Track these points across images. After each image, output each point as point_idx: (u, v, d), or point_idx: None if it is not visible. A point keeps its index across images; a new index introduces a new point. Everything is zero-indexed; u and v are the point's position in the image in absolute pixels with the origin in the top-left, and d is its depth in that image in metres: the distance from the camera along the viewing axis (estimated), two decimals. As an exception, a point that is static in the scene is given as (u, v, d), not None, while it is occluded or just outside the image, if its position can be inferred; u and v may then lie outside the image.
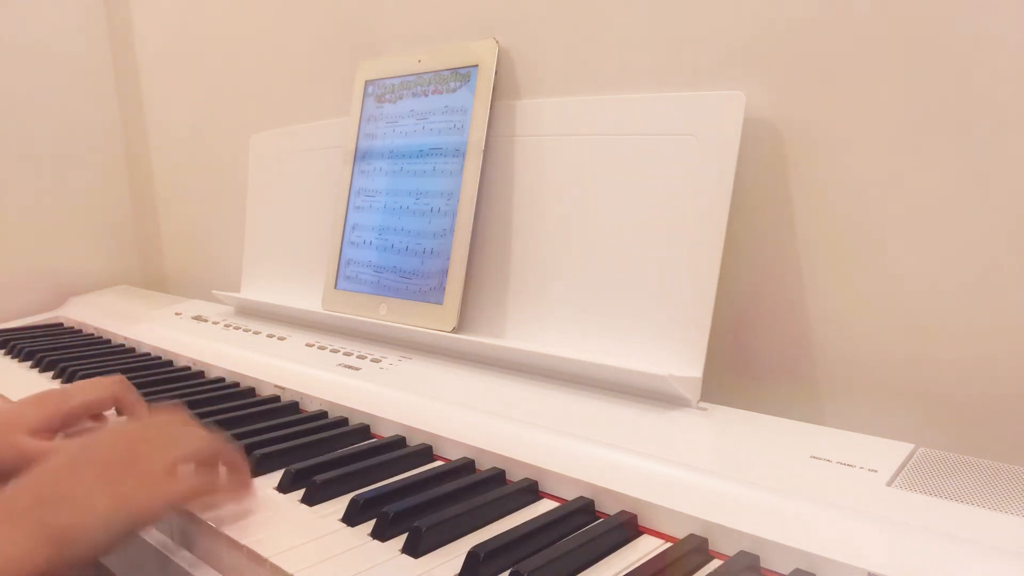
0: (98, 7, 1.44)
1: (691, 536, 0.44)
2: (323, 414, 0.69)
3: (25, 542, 0.40)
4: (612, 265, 0.66)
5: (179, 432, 0.49)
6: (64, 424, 0.62)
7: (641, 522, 0.47)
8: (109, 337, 1.08)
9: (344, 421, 0.67)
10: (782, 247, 0.63)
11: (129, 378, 0.78)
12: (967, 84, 0.53)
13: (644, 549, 0.44)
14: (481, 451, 0.56)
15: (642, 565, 0.41)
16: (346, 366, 0.75)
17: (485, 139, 0.75)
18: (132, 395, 0.65)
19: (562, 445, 0.54)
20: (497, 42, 0.77)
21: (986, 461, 0.47)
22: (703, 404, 0.58)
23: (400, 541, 0.45)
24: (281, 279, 1.01)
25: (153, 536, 0.51)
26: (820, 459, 0.48)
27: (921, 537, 0.39)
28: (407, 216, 0.82)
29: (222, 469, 0.51)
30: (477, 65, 0.77)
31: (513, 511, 0.50)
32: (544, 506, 0.51)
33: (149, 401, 0.69)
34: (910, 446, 0.50)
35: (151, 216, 1.49)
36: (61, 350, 0.99)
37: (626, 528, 0.46)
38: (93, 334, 1.12)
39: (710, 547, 0.44)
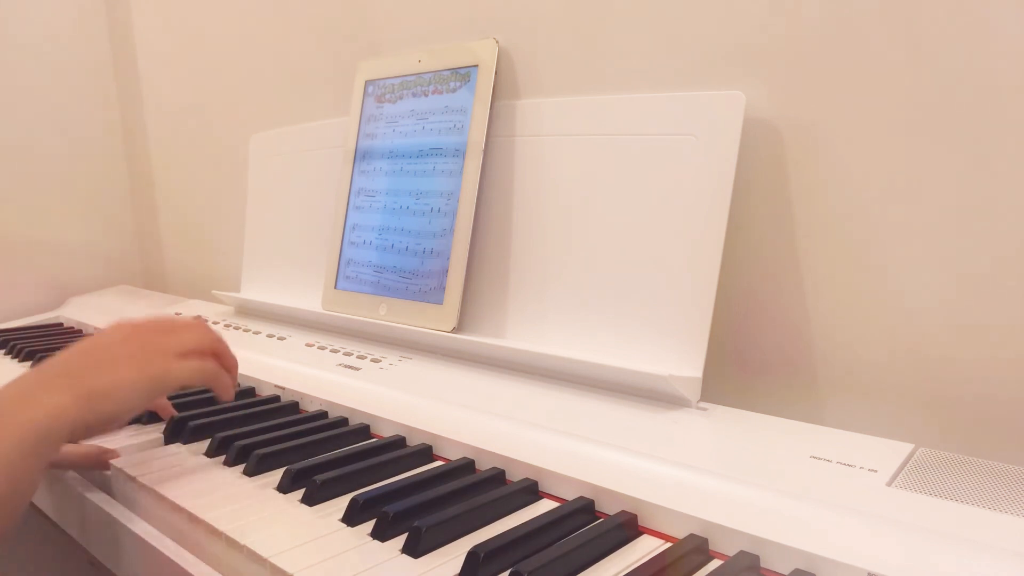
0: (98, 7, 1.44)
1: (691, 536, 0.44)
2: (323, 414, 0.69)
3: (61, 397, 0.47)
4: (612, 265, 0.66)
5: (185, 327, 0.59)
6: None
7: (641, 522, 0.47)
8: (109, 337, 1.07)
9: (344, 421, 0.67)
10: (782, 247, 0.63)
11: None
12: (967, 84, 0.53)
13: (644, 549, 0.44)
14: (481, 451, 0.56)
15: (642, 565, 0.41)
16: (346, 366, 0.75)
17: (485, 139, 0.75)
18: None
19: (562, 445, 0.54)
20: (497, 42, 0.77)
21: (986, 461, 0.47)
22: (703, 404, 0.58)
23: (400, 541, 0.45)
24: (281, 279, 1.01)
25: (153, 535, 0.51)
26: (820, 459, 0.48)
27: (921, 537, 0.39)
28: (407, 216, 0.82)
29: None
30: (477, 65, 0.77)
31: (513, 511, 0.50)
32: (544, 506, 0.51)
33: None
34: (910, 446, 0.50)
35: (151, 216, 1.49)
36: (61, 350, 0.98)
37: (626, 528, 0.46)
38: (93, 334, 1.12)
39: (710, 547, 0.44)
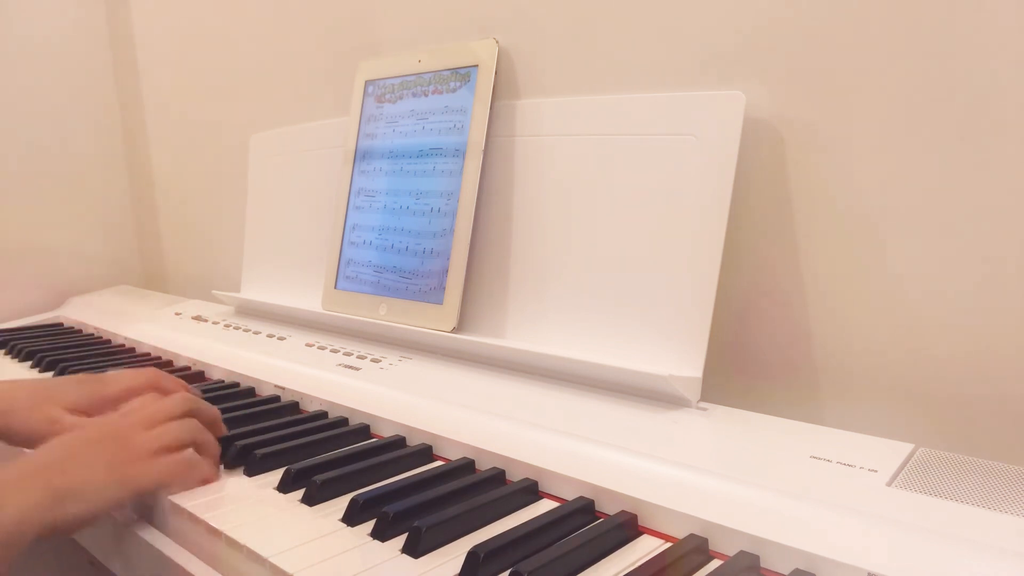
0: (98, 7, 1.44)
1: (691, 536, 0.44)
2: (323, 414, 0.69)
3: (30, 497, 0.46)
4: (612, 265, 0.66)
5: (160, 416, 0.56)
6: (101, 408, 0.63)
7: (641, 522, 0.47)
8: (109, 337, 1.08)
9: (344, 421, 0.67)
10: (782, 247, 0.63)
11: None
12: (967, 83, 0.53)
13: (644, 549, 0.44)
14: (481, 451, 0.56)
15: (642, 565, 0.41)
16: (346, 366, 0.75)
17: (485, 139, 0.75)
18: (168, 381, 0.67)
19: (562, 445, 0.54)
20: (497, 42, 0.77)
21: (986, 461, 0.47)
22: (703, 404, 0.58)
23: (400, 541, 0.45)
24: (281, 279, 1.01)
25: (152, 535, 0.51)
26: (820, 459, 0.48)
27: (921, 537, 0.39)
28: (407, 216, 0.82)
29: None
30: (477, 65, 0.77)
31: (513, 511, 0.50)
32: (544, 506, 0.51)
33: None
34: (910, 446, 0.50)
35: (151, 216, 1.49)
36: (61, 350, 0.99)
37: (626, 528, 0.46)
38: (93, 334, 1.12)
39: (710, 547, 0.44)
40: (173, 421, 0.56)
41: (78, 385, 0.64)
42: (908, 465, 0.47)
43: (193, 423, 0.57)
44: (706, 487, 0.46)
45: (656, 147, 0.64)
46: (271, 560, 0.43)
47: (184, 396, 0.59)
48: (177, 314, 1.08)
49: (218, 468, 0.58)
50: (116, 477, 0.50)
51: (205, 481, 0.55)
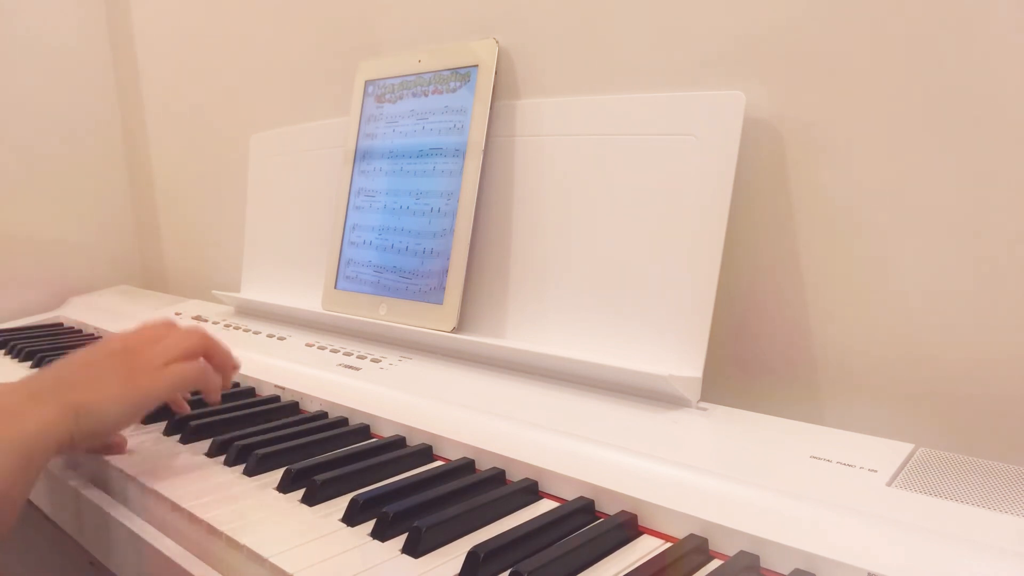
0: (98, 6, 1.44)
1: (691, 536, 0.44)
2: (323, 414, 0.69)
3: (50, 414, 0.47)
4: (612, 265, 0.66)
5: (171, 335, 0.58)
6: None
7: (641, 522, 0.47)
8: (109, 337, 1.07)
9: (344, 421, 0.67)
10: (782, 247, 0.63)
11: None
12: (968, 84, 0.53)
13: (644, 549, 0.44)
14: (481, 451, 0.56)
15: (642, 565, 0.41)
16: (346, 366, 0.75)
17: (485, 139, 0.75)
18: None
19: (562, 445, 0.54)
20: (497, 42, 0.77)
21: (986, 461, 0.47)
22: (703, 404, 0.58)
23: (400, 541, 0.45)
24: (281, 279, 1.01)
25: (153, 535, 0.51)
26: (820, 459, 0.48)
27: (921, 537, 0.39)
28: (407, 216, 0.82)
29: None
30: (477, 65, 0.77)
31: (513, 511, 0.50)
32: (544, 506, 0.51)
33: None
34: (910, 446, 0.50)
35: (151, 216, 1.49)
36: (61, 350, 0.99)
37: (626, 528, 0.46)
38: (93, 334, 1.12)
39: (710, 547, 0.44)
40: (182, 336, 0.58)
41: None
42: (908, 465, 0.47)
43: (202, 334, 0.59)
44: (706, 487, 0.46)
45: (656, 147, 0.64)
46: (271, 560, 0.43)
47: (195, 334, 0.61)
48: (177, 314, 1.08)
49: (232, 366, 0.61)
50: (128, 389, 0.52)
51: (216, 389, 0.58)
